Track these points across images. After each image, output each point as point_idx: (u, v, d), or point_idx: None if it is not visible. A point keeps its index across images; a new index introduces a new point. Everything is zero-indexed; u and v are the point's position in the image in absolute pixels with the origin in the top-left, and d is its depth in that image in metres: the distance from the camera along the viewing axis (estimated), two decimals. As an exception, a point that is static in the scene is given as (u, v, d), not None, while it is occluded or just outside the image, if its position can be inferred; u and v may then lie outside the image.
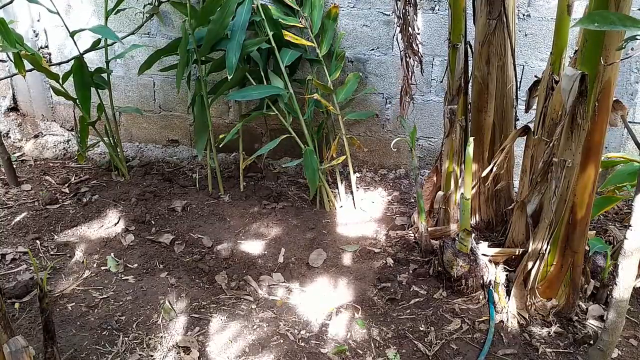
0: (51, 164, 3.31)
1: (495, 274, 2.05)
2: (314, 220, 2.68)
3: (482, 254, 2.10)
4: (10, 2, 2.52)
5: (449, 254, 2.07)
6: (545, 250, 1.87)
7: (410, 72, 2.32)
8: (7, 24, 2.30)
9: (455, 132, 2.28)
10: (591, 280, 2.07)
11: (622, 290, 1.48)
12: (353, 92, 2.88)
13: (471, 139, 2.07)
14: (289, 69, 2.74)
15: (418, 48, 2.27)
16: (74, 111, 3.12)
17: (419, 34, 2.23)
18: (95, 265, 2.28)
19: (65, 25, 2.67)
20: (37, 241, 2.45)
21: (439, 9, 2.81)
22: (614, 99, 1.65)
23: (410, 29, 2.20)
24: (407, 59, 2.29)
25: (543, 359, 1.78)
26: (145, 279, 2.20)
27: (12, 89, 3.76)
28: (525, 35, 2.73)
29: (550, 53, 1.82)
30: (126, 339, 1.86)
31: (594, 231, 2.38)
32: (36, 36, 3.45)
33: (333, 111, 2.71)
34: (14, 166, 3.02)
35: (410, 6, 2.15)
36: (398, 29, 2.22)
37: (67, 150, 3.50)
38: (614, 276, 1.49)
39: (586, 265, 2.02)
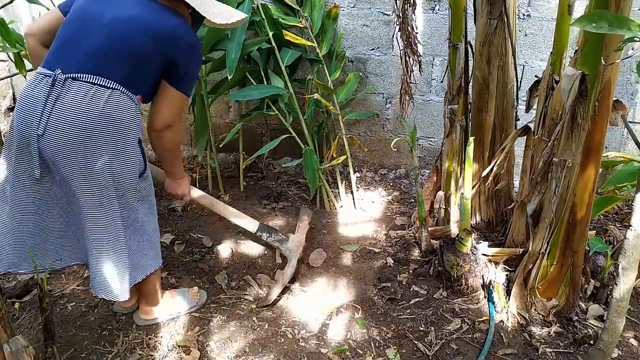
0: (51, 164, 3.31)
1: (495, 273, 2.05)
2: (314, 220, 2.68)
3: (482, 254, 2.10)
4: (11, 2, 2.51)
5: (449, 254, 2.07)
6: (546, 250, 1.87)
7: (409, 71, 2.32)
8: (6, 24, 2.30)
9: (455, 132, 2.28)
10: (591, 280, 2.07)
11: (622, 290, 1.48)
12: (353, 92, 2.88)
13: (471, 139, 2.07)
14: (289, 69, 2.74)
15: (417, 47, 2.27)
16: (74, 111, 3.11)
17: (417, 33, 2.23)
18: (95, 265, 2.28)
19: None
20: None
21: (439, 9, 2.81)
22: (614, 98, 1.65)
23: (409, 27, 2.19)
24: (407, 58, 2.29)
25: (543, 359, 1.78)
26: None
27: (12, 89, 3.76)
28: (526, 35, 2.73)
29: (551, 53, 1.82)
30: (126, 338, 1.86)
31: (594, 231, 2.38)
32: (36, 36, 3.45)
33: (333, 111, 2.71)
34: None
35: (409, 5, 2.14)
36: (397, 27, 2.22)
37: (67, 150, 3.50)
38: (614, 276, 1.49)
39: (586, 265, 2.02)
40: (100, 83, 1.52)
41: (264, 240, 2.29)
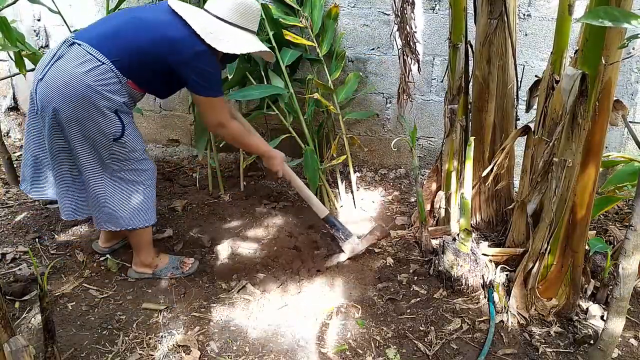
0: (52, 164, 3.31)
1: (496, 273, 2.05)
2: (314, 219, 2.68)
3: (483, 254, 2.10)
4: (14, 3, 2.51)
5: (449, 254, 2.07)
6: (546, 250, 1.87)
7: (407, 70, 2.32)
8: (8, 22, 2.31)
9: (455, 132, 2.28)
10: (591, 280, 2.07)
11: (622, 290, 1.48)
12: (353, 92, 2.88)
13: (472, 139, 2.07)
14: (289, 69, 2.73)
15: (415, 46, 2.26)
16: (74, 110, 3.11)
17: (416, 32, 2.23)
18: (95, 264, 2.28)
19: (67, 25, 2.67)
20: (38, 240, 2.45)
21: (439, 9, 2.81)
22: (615, 98, 1.65)
23: (407, 27, 2.19)
24: (405, 57, 2.29)
25: (543, 359, 1.78)
26: (145, 278, 2.20)
27: (12, 89, 3.76)
28: (526, 34, 2.73)
29: (551, 53, 1.82)
30: (126, 338, 1.86)
31: (594, 231, 2.38)
32: (37, 35, 3.45)
33: (333, 111, 2.71)
34: (15, 166, 3.02)
35: (408, 4, 2.14)
36: (396, 27, 2.22)
37: (67, 149, 3.50)
38: (614, 276, 1.49)
39: (586, 265, 2.02)
40: (94, 54, 1.79)
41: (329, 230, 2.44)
